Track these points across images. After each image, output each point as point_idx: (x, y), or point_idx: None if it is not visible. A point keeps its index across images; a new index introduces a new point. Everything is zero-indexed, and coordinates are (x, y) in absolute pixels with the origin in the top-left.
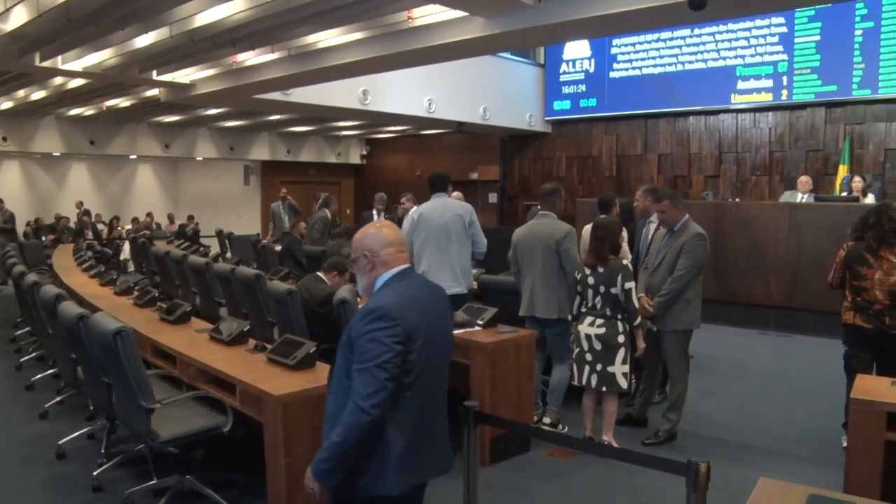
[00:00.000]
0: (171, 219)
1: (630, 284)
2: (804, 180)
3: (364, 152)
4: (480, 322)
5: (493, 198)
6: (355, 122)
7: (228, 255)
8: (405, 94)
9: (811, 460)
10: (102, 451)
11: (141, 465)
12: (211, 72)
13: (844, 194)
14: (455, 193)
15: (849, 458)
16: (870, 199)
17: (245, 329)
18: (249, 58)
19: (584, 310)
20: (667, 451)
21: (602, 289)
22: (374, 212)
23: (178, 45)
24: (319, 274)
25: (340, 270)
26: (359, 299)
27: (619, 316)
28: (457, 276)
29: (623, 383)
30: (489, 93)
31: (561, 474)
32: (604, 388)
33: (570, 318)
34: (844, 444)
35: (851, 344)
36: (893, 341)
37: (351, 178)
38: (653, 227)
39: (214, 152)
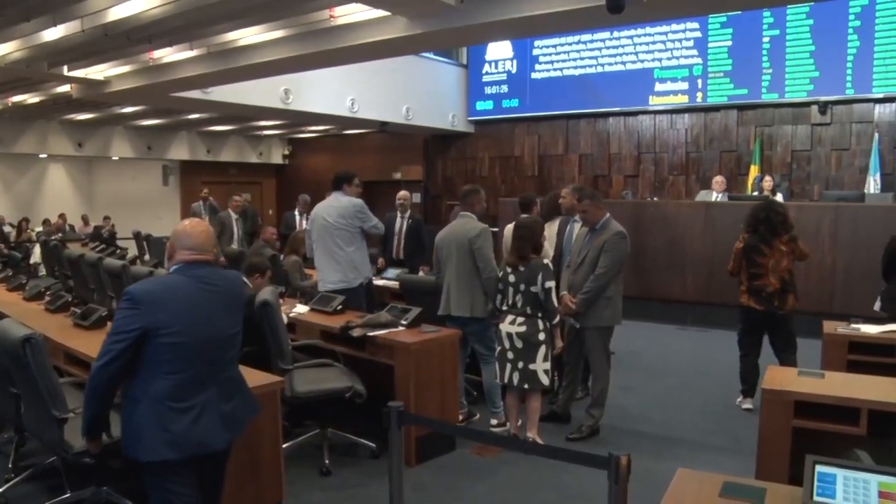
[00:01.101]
0: (85, 220)
1: (550, 283)
2: (718, 180)
3: (286, 152)
4: (404, 322)
5: (416, 198)
6: (277, 122)
7: (147, 257)
8: (328, 93)
9: (727, 450)
10: (10, 465)
11: (53, 479)
12: (126, 68)
13: (756, 193)
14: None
15: (760, 446)
16: (779, 197)
17: None
18: (167, 55)
19: (504, 308)
20: (590, 446)
21: (522, 287)
22: (297, 213)
23: (90, 39)
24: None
25: (261, 272)
26: (281, 301)
27: (540, 314)
28: (343, 271)
29: (545, 380)
30: (412, 93)
31: (487, 472)
32: (526, 386)
33: (487, 316)
34: (744, 407)
35: (744, 324)
36: (781, 321)
37: (273, 179)
38: (577, 225)
39: (131, 151)
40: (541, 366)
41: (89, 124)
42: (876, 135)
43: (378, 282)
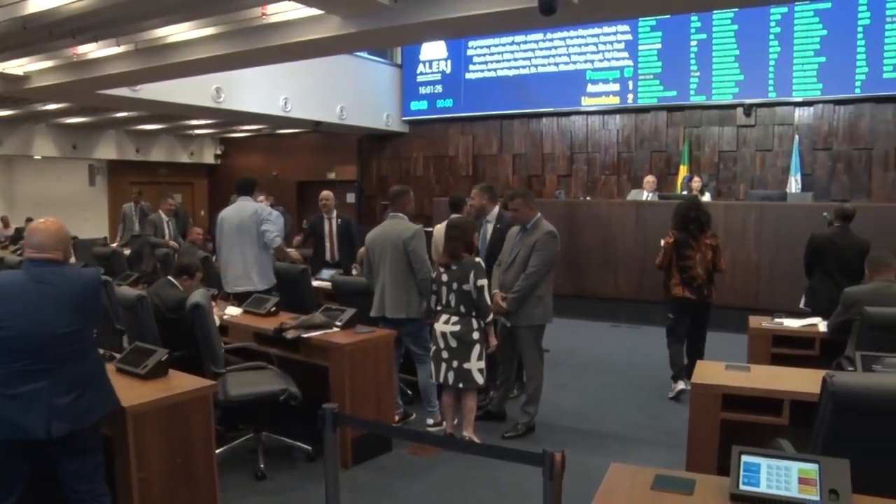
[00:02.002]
0: (5, 222)
1: (482, 282)
2: (649, 180)
3: (218, 152)
4: (339, 324)
5: (350, 198)
6: (209, 121)
7: (73, 259)
8: (260, 92)
9: (659, 443)
10: None
11: None
12: (48, 63)
13: (685, 193)
14: (261, 197)
15: (690, 438)
16: (707, 197)
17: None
18: (92, 50)
19: (438, 308)
20: (525, 444)
21: (455, 286)
22: None
23: (7, 32)
24: (170, 278)
25: (190, 274)
26: (213, 303)
27: (473, 313)
28: (248, 274)
29: (479, 379)
30: (346, 92)
31: (423, 471)
32: (461, 385)
33: (422, 316)
34: (679, 388)
35: (678, 313)
36: (708, 308)
37: (205, 179)
38: (490, 226)
39: (55, 151)
40: (475, 365)
41: (8, 121)
42: (796, 136)
43: (313, 283)
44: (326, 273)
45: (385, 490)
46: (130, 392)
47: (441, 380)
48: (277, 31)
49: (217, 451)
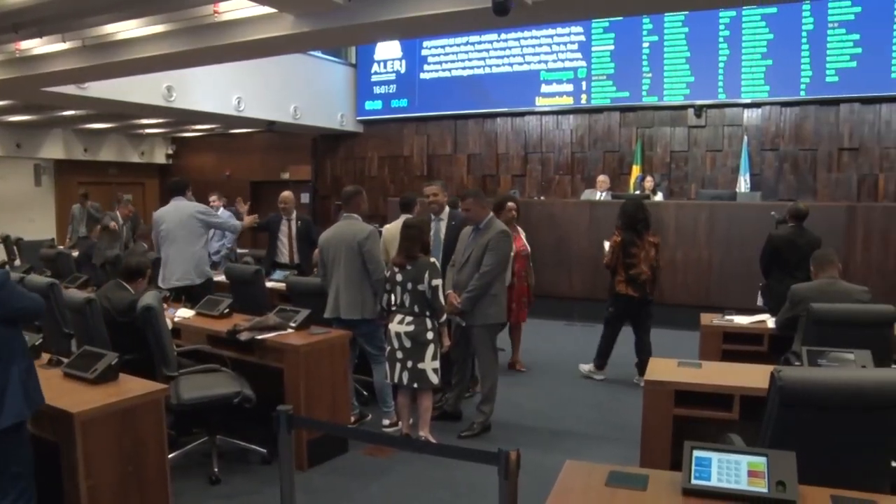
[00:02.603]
0: None
1: (437, 282)
2: (602, 179)
3: (170, 151)
4: (293, 325)
5: (305, 198)
6: (160, 120)
7: (18, 262)
8: (213, 91)
9: (614, 440)
10: None
11: None
12: None
13: (637, 192)
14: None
15: (643, 434)
16: (659, 196)
17: (37, 343)
18: (36, 46)
19: (393, 308)
20: (481, 443)
21: (410, 286)
22: None
23: None
24: (120, 280)
25: (143, 274)
26: (165, 305)
27: (428, 313)
28: (188, 269)
29: (434, 379)
30: (300, 92)
31: (380, 472)
32: (416, 385)
33: (377, 317)
34: (597, 378)
35: (619, 309)
36: (649, 305)
37: (156, 179)
38: (442, 224)
39: None
40: (430, 364)
41: None
42: (745, 137)
43: (267, 283)
44: (280, 274)
45: (341, 492)
46: (79, 397)
47: (396, 380)
48: (229, 29)
49: (170, 456)
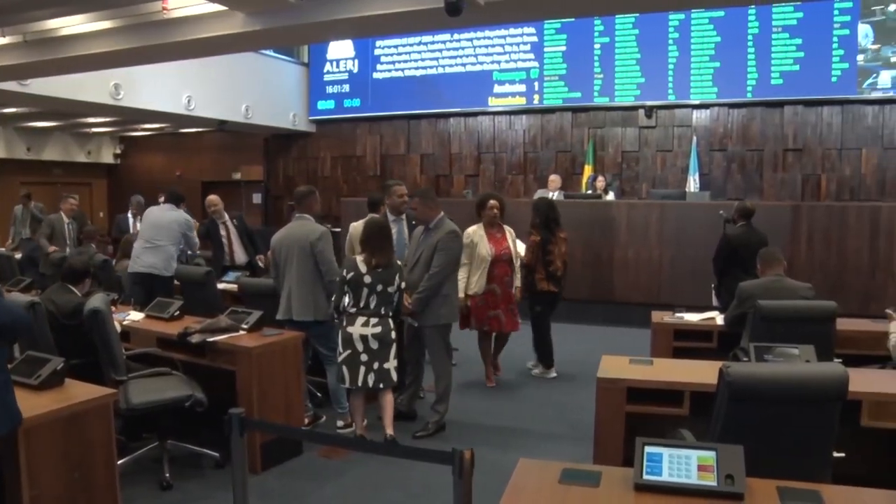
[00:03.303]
0: None
1: (404, 284)
2: (554, 179)
3: (118, 151)
4: (245, 326)
5: (257, 198)
6: (107, 119)
7: None
8: (162, 90)
9: (568, 437)
10: None
11: None
12: None
13: (590, 192)
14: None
15: (596, 431)
16: (610, 196)
17: None
18: None
19: (353, 310)
20: (436, 443)
21: (379, 288)
22: (130, 215)
23: None
24: (65, 283)
25: (88, 275)
26: (114, 308)
27: (390, 313)
28: (157, 258)
29: (395, 376)
30: (252, 91)
31: (335, 474)
32: (381, 385)
33: (334, 318)
34: (550, 376)
35: (545, 305)
36: (560, 299)
37: (104, 179)
38: (404, 225)
39: None
40: (392, 363)
41: None
42: (694, 138)
43: (219, 285)
44: (232, 275)
45: (295, 494)
46: (22, 404)
47: (360, 383)
48: (179, 26)
49: (119, 463)
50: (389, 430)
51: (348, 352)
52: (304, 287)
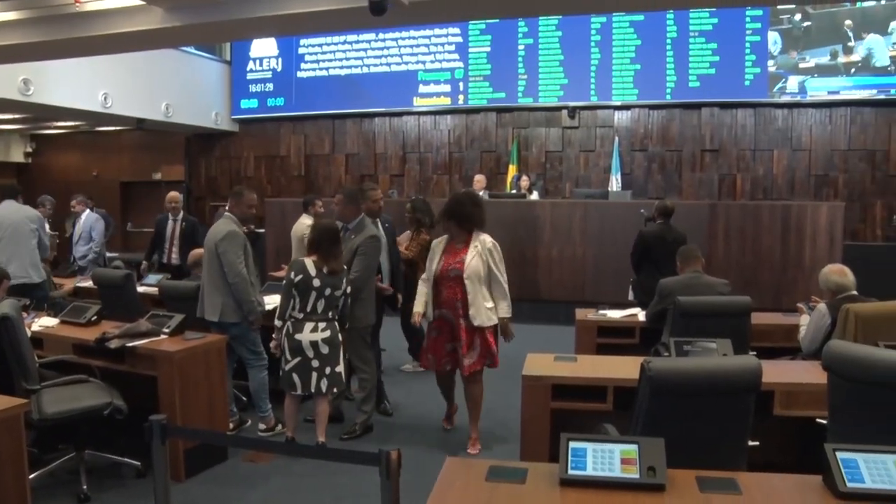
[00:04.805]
0: None
1: (349, 288)
2: (479, 179)
3: (29, 150)
4: (166, 330)
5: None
6: (16, 115)
7: None
8: (77, 86)
9: (495, 436)
10: None
11: None
12: None
13: (514, 191)
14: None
15: (522, 429)
16: (534, 195)
17: None
18: None
19: (300, 315)
20: (364, 444)
21: (328, 292)
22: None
23: None
24: None
25: None
26: (25, 314)
27: (337, 316)
28: (25, 267)
29: (343, 379)
30: (172, 89)
31: (261, 479)
32: (335, 390)
33: (241, 320)
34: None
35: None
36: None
37: (13, 179)
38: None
39: None
40: (342, 366)
41: None
42: (616, 138)
43: (139, 288)
44: (153, 278)
45: (220, 501)
46: None
47: (313, 389)
48: (93, 20)
49: (31, 476)
50: (321, 438)
51: (298, 359)
52: (211, 287)
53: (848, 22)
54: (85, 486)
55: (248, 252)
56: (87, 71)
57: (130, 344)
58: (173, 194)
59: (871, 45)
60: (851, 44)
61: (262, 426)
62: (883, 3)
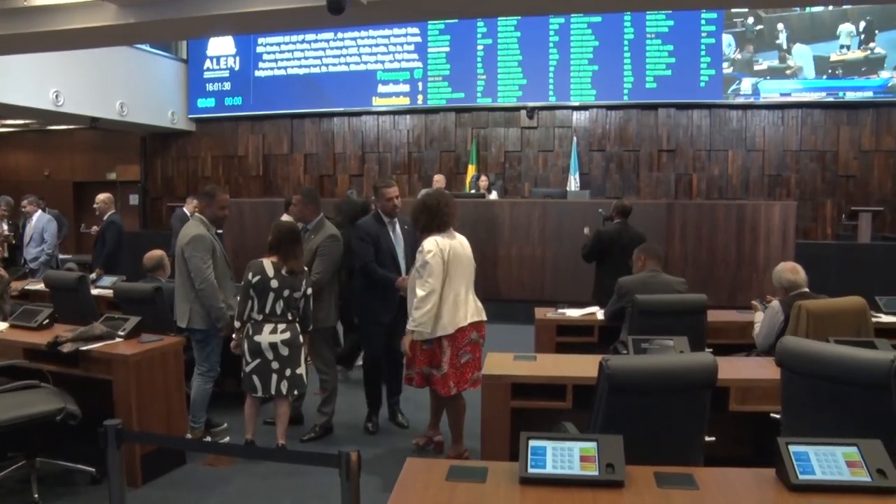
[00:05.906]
0: None
1: (311, 290)
2: (438, 179)
3: None
4: (122, 333)
5: (134, 199)
6: None
7: None
8: (26, 83)
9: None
10: None
11: None
12: None
13: (473, 191)
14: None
15: (483, 428)
16: (493, 195)
17: None
18: None
19: (259, 317)
20: (324, 445)
21: (286, 293)
22: None
23: None
24: None
25: None
26: None
27: (297, 318)
28: None
29: (306, 381)
30: (127, 87)
31: (220, 483)
32: (295, 392)
33: (209, 327)
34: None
35: None
36: None
37: None
38: (397, 226)
39: None
40: (302, 368)
41: None
42: (574, 138)
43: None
44: (108, 280)
45: None
46: None
47: (273, 391)
48: (43, 15)
49: None
50: (282, 440)
51: (258, 361)
52: (180, 292)
53: (780, 26)
54: (36, 495)
55: (217, 255)
56: (37, 68)
57: (84, 347)
58: (99, 196)
59: (800, 54)
60: (786, 53)
61: (188, 436)
62: (830, 8)
